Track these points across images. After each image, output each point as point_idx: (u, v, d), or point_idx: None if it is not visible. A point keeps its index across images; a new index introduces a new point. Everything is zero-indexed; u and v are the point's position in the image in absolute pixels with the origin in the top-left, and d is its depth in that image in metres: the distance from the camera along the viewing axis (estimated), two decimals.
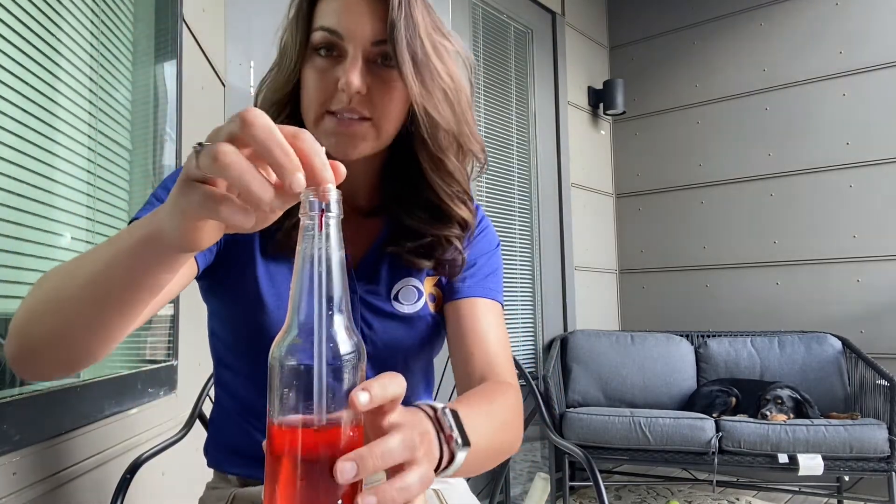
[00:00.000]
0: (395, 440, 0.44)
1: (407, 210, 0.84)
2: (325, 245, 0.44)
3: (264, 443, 0.45)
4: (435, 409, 0.55)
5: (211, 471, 0.94)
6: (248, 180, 0.41)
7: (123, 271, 0.51)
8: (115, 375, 1.30)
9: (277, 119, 0.77)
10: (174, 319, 1.57)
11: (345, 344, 0.45)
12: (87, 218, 1.26)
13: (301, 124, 0.76)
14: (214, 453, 0.91)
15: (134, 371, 1.37)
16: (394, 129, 0.77)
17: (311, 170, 0.42)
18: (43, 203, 1.10)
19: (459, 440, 0.55)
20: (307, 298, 0.44)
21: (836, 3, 3.33)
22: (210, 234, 0.47)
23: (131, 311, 0.55)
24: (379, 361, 0.82)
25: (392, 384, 0.45)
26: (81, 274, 0.55)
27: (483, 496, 0.95)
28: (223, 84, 1.87)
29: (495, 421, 0.70)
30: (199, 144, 0.43)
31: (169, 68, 1.60)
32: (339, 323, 0.45)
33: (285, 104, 0.78)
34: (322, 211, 0.44)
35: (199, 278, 0.82)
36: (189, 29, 1.63)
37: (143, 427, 1.35)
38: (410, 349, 0.86)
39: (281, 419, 0.43)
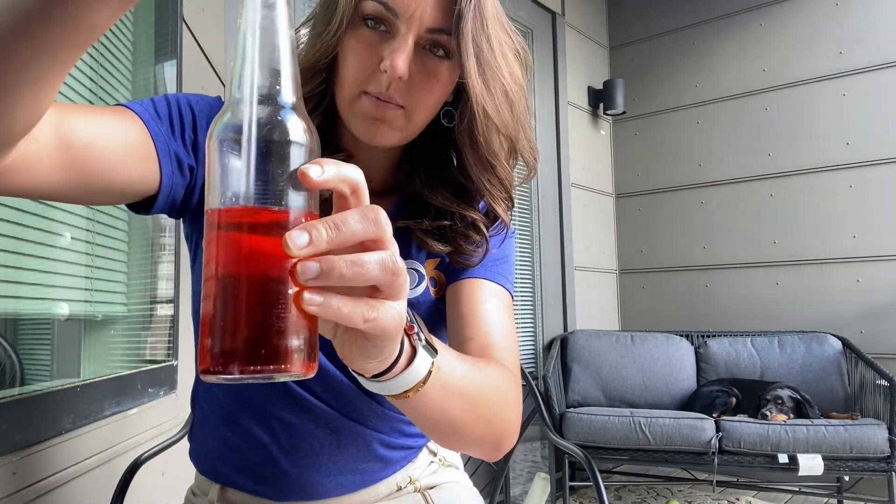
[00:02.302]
0: (353, 212, 0.39)
1: (430, 187, 0.77)
2: (271, 14, 0.39)
3: (204, 241, 0.39)
4: None
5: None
6: None
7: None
8: (115, 375, 1.30)
9: (308, 86, 0.70)
10: (174, 319, 1.57)
11: (295, 126, 0.39)
12: (87, 218, 1.26)
13: (325, 92, 0.72)
14: (196, 445, 0.88)
15: (134, 371, 1.37)
16: (424, 123, 0.72)
17: None
18: (43, 203, 1.10)
19: (422, 335, 0.51)
20: (251, 71, 0.38)
21: (835, 3, 3.33)
22: None
23: (40, 58, 0.41)
24: None
25: (346, 165, 0.39)
26: None
27: (483, 496, 0.95)
28: (223, 84, 1.87)
29: (481, 376, 0.63)
30: None
31: (169, 68, 1.60)
32: (289, 99, 0.39)
33: (318, 71, 0.71)
34: None
35: (187, 227, 0.79)
36: (189, 29, 1.63)
37: (143, 427, 1.35)
38: None
39: (219, 205, 0.38)
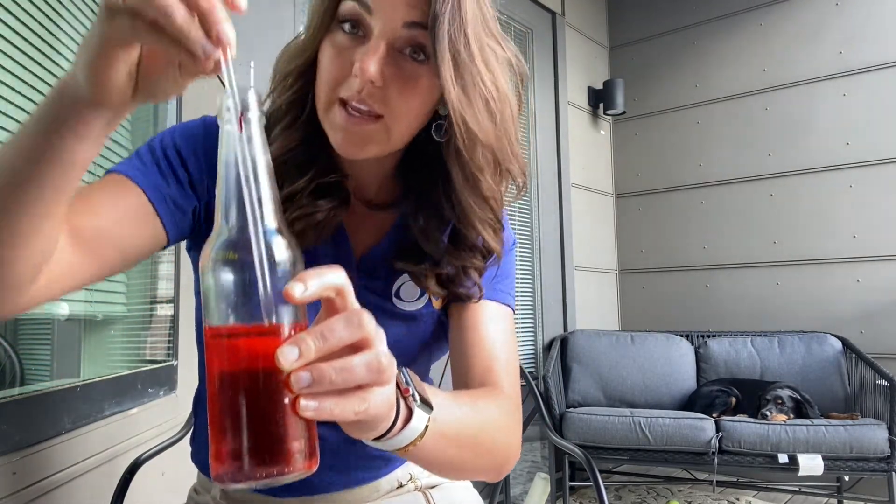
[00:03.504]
0: (338, 319, 0.42)
1: (425, 233, 0.75)
2: (248, 146, 0.42)
3: (205, 355, 0.43)
4: None
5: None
6: (172, 10, 0.39)
7: (31, 140, 0.47)
8: (115, 375, 1.30)
9: (289, 90, 0.69)
10: (174, 319, 1.57)
11: (279, 247, 0.43)
12: None
13: (306, 99, 0.70)
14: (197, 449, 0.89)
15: (134, 371, 1.38)
16: (407, 134, 0.68)
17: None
18: None
19: (416, 395, 0.53)
20: (235, 202, 0.42)
21: (836, 3, 3.33)
22: (120, 83, 0.44)
23: (43, 191, 0.47)
24: None
25: (328, 273, 0.43)
26: None
27: (483, 496, 0.95)
28: (223, 84, 1.87)
29: (479, 414, 0.66)
30: None
31: None
32: (271, 225, 0.43)
33: (298, 76, 0.69)
34: (241, 112, 0.43)
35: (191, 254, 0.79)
36: None
37: (143, 427, 1.35)
38: (410, 351, 0.81)
39: (217, 327, 0.42)
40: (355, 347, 0.43)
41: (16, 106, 1.01)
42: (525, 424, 1.62)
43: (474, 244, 0.75)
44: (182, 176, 0.69)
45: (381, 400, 0.45)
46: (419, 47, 0.64)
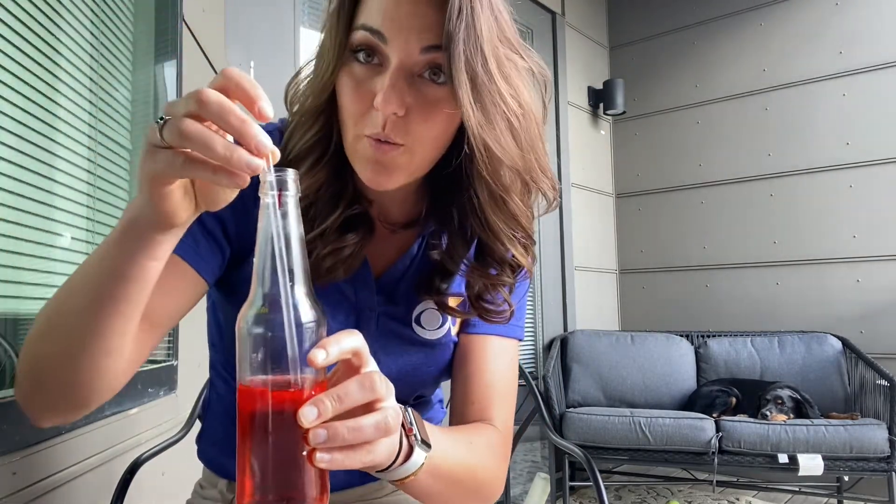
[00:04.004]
0: (353, 382, 0.48)
1: (451, 254, 0.74)
2: (284, 222, 0.47)
3: (237, 403, 0.48)
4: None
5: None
6: (213, 142, 0.43)
7: (111, 264, 0.51)
8: None
9: (311, 130, 0.68)
10: None
11: (306, 312, 0.48)
12: (87, 218, 1.27)
13: (331, 134, 0.69)
14: (205, 447, 0.89)
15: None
16: (431, 158, 0.66)
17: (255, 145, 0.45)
18: (43, 203, 1.10)
19: (419, 435, 0.58)
20: (270, 272, 0.47)
21: (836, 3, 3.33)
22: (181, 204, 0.48)
23: (125, 310, 0.53)
24: None
25: (347, 338, 0.48)
26: (75, 280, 0.55)
27: None
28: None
29: (473, 454, 0.69)
30: (161, 119, 0.45)
31: (169, 68, 1.60)
32: (301, 292, 0.48)
33: (320, 113, 0.67)
34: (280, 190, 0.47)
35: (222, 292, 0.78)
36: (189, 29, 1.63)
37: (143, 427, 1.35)
38: (426, 378, 0.80)
39: (250, 381, 0.48)
40: (367, 406, 0.48)
41: (15, 106, 1.01)
42: (525, 424, 1.62)
43: (503, 258, 0.74)
44: (218, 235, 0.70)
45: (386, 449, 0.51)
46: (439, 68, 0.61)
